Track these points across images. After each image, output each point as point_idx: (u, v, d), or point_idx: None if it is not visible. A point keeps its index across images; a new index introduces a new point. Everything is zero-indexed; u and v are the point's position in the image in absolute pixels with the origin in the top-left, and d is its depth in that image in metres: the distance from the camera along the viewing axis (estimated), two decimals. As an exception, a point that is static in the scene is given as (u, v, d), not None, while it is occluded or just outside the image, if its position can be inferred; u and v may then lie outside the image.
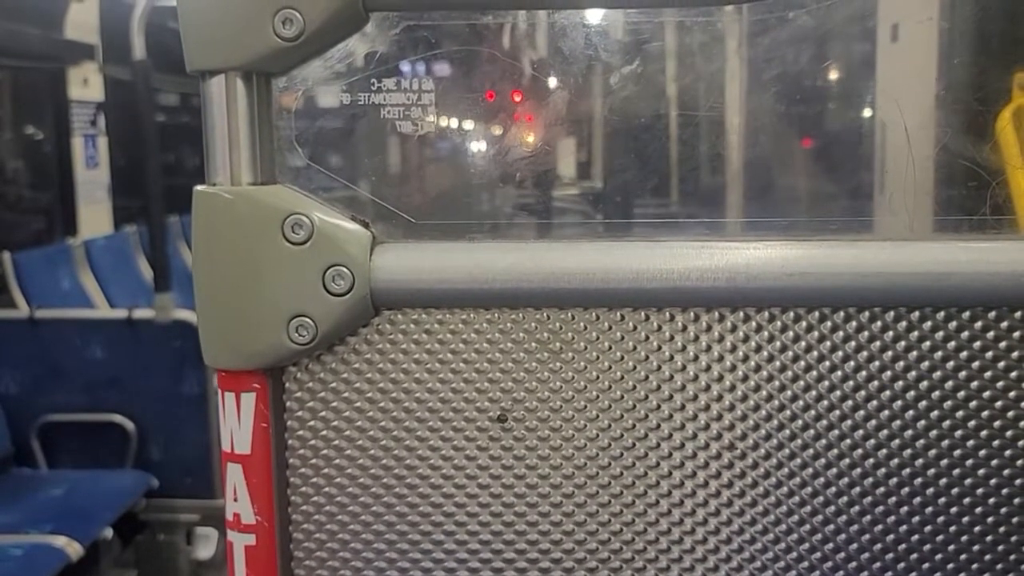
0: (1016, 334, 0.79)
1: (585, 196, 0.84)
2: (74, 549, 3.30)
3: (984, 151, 0.79)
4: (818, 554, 0.82)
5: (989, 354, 0.79)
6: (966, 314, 0.79)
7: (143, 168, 4.11)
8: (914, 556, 0.82)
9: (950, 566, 0.82)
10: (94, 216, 5.61)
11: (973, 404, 0.80)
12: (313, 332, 0.78)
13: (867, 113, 0.84)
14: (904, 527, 0.82)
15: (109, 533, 3.63)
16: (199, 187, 0.79)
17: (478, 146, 0.82)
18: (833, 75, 0.84)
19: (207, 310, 0.80)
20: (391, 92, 0.79)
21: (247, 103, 0.77)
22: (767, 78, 0.80)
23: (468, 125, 0.81)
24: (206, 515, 4.00)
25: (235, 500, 0.82)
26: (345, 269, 0.78)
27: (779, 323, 0.80)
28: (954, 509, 0.81)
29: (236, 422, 0.81)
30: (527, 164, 0.81)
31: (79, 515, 3.55)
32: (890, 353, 0.80)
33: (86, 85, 5.49)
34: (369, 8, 0.76)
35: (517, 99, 0.81)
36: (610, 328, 0.81)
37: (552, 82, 0.80)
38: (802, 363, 0.80)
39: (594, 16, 0.80)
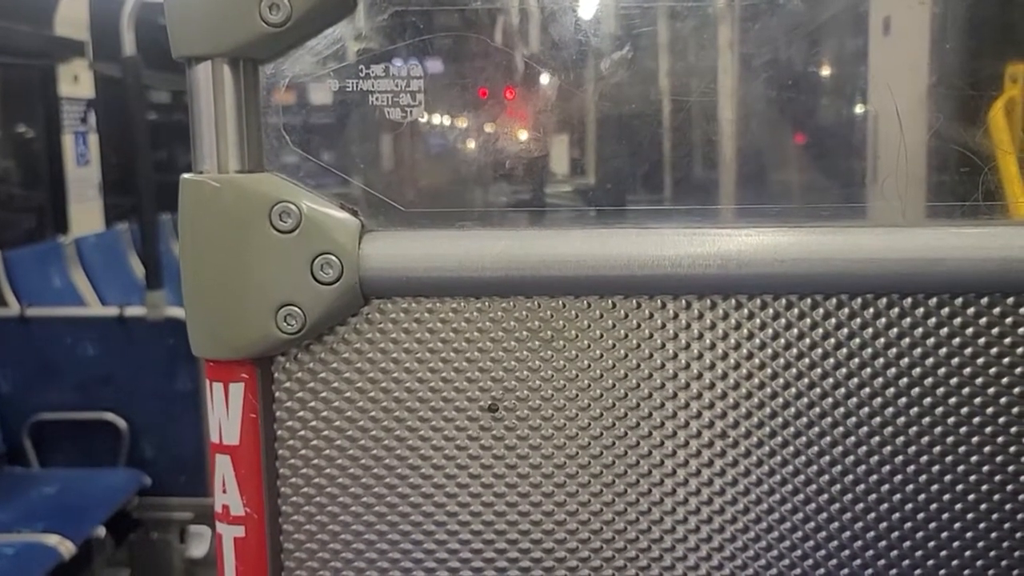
0: (1008, 320, 0.79)
1: (576, 183, 0.83)
2: (67, 548, 3.28)
3: (975, 138, 0.79)
4: (811, 542, 0.82)
5: (981, 340, 0.79)
6: (958, 300, 0.79)
7: (134, 165, 4.09)
8: (907, 543, 0.82)
9: (943, 553, 0.82)
10: (85, 214, 5.58)
11: (966, 390, 0.79)
12: (302, 321, 0.78)
13: (859, 100, 0.84)
14: (897, 514, 0.81)
15: (102, 532, 3.62)
16: (186, 175, 0.78)
17: (467, 133, 0.81)
18: (825, 62, 0.83)
19: (195, 299, 0.79)
20: (379, 79, 0.78)
21: (234, 90, 0.76)
22: (759, 65, 0.80)
23: (457, 112, 0.81)
24: (199, 513, 3.98)
25: (224, 492, 0.81)
26: (334, 257, 0.77)
27: (771, 310, 0.79)
28: (947, 496, 0.81)
29: (224, 412, 0.80)
30: (517, 151, 0.80)
31: (71, 514, 3.53)
32: (882, 340, 0.79)
33: (76, 82, 5.46)
34: None
35: (507, 87, 0.80)
36: (601, 316, 0.80)
37: (542, 69, 0.80)
38: (794, 350, 0.80)
39: (584, 3, 0.80)
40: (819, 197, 0.82)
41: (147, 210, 4.08)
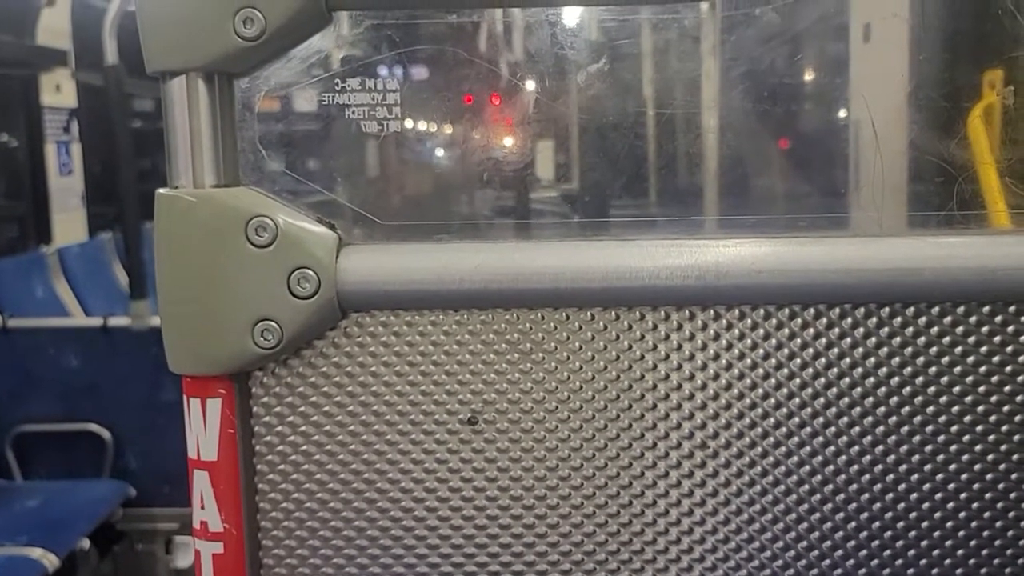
0: (984, 329, 0.79)
1: (554, 195, 0.83)
2: (50, 561, 3.25)
3: (953, 148, 0.79)
4: (792, 552, 0.82)
5: (958, 349, 0.79)
6: (935, 309, 0.79)
7: (118, 174, 4.06)
8: (887, 552, 0.82)
9: (923, 562, 0.82)
10: (68, 223, 5.54)
11: (943, 399, 0.80)
12: (279, 336, 0.77)
13: (838, 110, 0.84)
14: (877, 523, 0.81)
15: (86, 544, 3.59)
16: (161, 190, 0.78)
17: (444, 146, 0.81)
18: (804, 73, 0.84)
19: (171, 315, 0.79)
20: (356, 92, 0.78)
21: (209, 104, 0.76)
22: (738, 76, 0.80)
23: (434, 125, 0.80)
24: (185, 524, 3.95)
25: (202, 508, 0.81)
26: (311, 271, 0.77)
27: (749, 321, 0.80)
28: (926, 504, 0.81)
29: (202, 428, 0.80)
30: (494, 165, 0.80)
31: (55, 526, 3.50)
32: (860, 349, 0.80)
33: (59, 91, 5.43)
34: (332, 7, 0.75)
35: (484, 100, 0.80)
36: (580, 328, 0.80)
37: (520, 81, 0.80)
38: (773, 360, 0.80)
39: (561, 16, 0.80)
40: (797, 207, 0.82)
41: (131, 219, 4.05)
